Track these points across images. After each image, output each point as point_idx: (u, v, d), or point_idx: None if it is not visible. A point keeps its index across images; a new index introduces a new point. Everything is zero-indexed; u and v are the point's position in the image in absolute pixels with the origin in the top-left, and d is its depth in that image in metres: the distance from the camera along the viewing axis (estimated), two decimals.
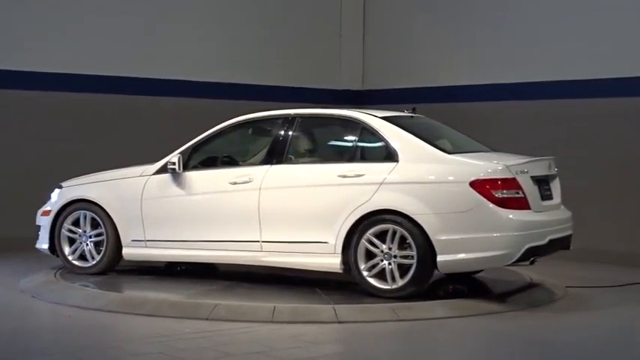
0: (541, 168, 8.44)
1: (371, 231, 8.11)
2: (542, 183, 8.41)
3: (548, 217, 8.28)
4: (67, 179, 9.68)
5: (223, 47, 13.02)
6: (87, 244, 9.25)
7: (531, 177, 8.18)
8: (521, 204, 7.99)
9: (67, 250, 9.32)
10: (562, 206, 8.75)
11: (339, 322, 7.48)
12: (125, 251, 9.14)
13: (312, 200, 8.40)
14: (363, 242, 8.13)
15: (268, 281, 8.95)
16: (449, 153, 8.27)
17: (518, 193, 7.98)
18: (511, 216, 7.88)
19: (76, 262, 9.29)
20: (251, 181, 8.61)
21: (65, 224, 9.32)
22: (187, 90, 12.51)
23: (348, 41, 14.16)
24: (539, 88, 11.85)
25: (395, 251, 8.03)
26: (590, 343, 7.12)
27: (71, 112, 11.79)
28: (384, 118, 8.58)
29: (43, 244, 9.46)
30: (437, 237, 7.89)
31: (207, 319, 7.52)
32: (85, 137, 11.83)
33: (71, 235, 9.31)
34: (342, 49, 14.17)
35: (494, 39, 12.44)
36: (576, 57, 11.50)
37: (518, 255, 7.89)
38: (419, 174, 8.14)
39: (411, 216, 7.96)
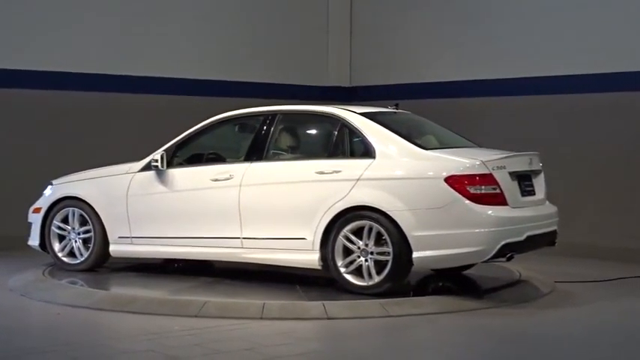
0: (521, 163, 8.38)
1: (348, 227, 8.11)
2: (523, 179, 8.36)
3: (527, 213, 8.21)
4: (59, 177, 9.72)
5: (210, 45, 13.01)
6: (75, 241, 9.32)
7: (510, 173, 8.12)
8: (498, 200, 7.96)
9: (56, 246, 9.41)
10: (547, 202, 8.71)
11: (329, 319, 7.49)
12: (112, 248, 9.20)
13: (291, 197, 8.43)
14: (341, 239, 8.13)
15: (259, 277, 8.96)
16: (427, 149, 8.25)
17: (495, 189, 7.93)
18: (486, 212, 7.84)
19: (65, 259, 9.37)
20: (232, 178, 8.65)
21: (55, 221, 9.41)
22: (176, 88, 12.51)
23: (336, 38, 14.17)
24: (527, 84, 11.88)
25: (371, 248, 8.03)
26: (575, 338, 7.15)
27: (62, 110, 11.78)
28: (363, 114, 8.57)
29: (34, 240, 9.55)
30: (412, 233, 7.87)
31: (196, 316, 7.53)
32: (77, 135, 11.84)
33: (61, 232, 9.40)
34: (329, 45, 14.17)
35: (482, 35, 12.47)
36: (565, 53, 11.53)
37: (494, 251, 7.85)
38: (395, 170, 8.13)
39: (387, 212, 7.95)
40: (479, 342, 7.04)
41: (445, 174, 7.89)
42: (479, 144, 8.97)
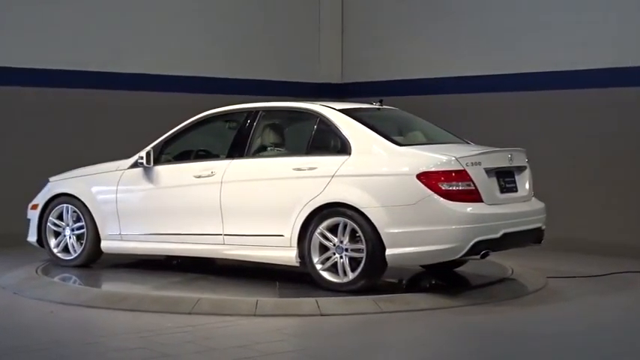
0: (500, 160, 8.29)
1: (324, 224, 8.09)
2: (503, 175, 8.28)
3: (505, 210, 8.11)
4: (56, 174, 9.82)
5: (202, 42, 13.00)
6: (70, 237, 9.43)
7: (486, 169, 8.04)
8: (472, 196, 7.87)
9: (52, 242, 9.52)
10: (533, 199, 8.65)
11: (322, 315, 7.50)
12: (103, 244, 9.28)
13: (269, 193, 8.44)
14: (317, 235, 8.11)
15: (252, 273, 8.96)
16: (402, 145, 8.19)
17: (469, 185, 7.86)
18: (458, 209, 7.76)
19: (59, 255, 9.48)
20: (213, 175, 8.68)
21: (51, 218, 9.52)
22: (170, 85, 12.52)
23: (327, 34, 14.17)
24: (519, 80, 11.89)
25: (346, 245, 8.01)
26: (565, 334, 7.16)
27: (59, 107, 11.81)
28: (341, 110, 8.54)
29: (32, 236, 9.67)
30: (385, 230, 7.83)
31: (189, 313, 7.52)
32: (75, 133, 11.88)
33: (56, 228, 9.51)
34: (321, 42, 14.17)
35: (473, 31, 12.49)
36: (558, 48, 11.54)
37: (466, 249, 7.77)
38: (368, 166, 8.10)
39: (360, 209, 7.91)
40: (470, 338, 7.06)
41: (417, 170, 7.84)
42: (467, 140, 8.93)
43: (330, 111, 8.53)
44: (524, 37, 11.89)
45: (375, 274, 8.02)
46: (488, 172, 8.09)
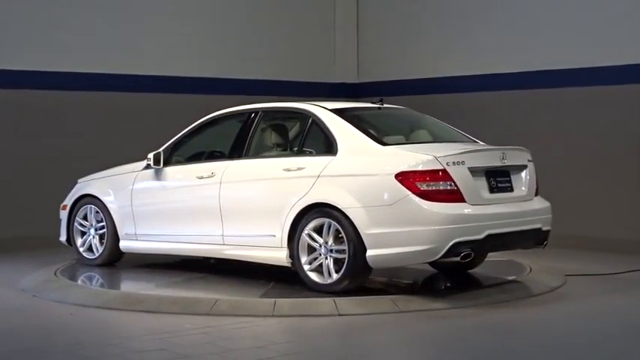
0: (489, 159, 8.08)
1: (310, 225, 8.06)
2: (495, 174, 8.08)
3: (493, 211, 7.90)
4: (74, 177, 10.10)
5: (217, 42, 13.05)
6: (93, 237, 9.68)
7: (472, 168, 7.85)
8: (454, 197, 7.70)
9: (78, 242, 9.76)
10: (536, 198, 8.42)
11: (340, 315, 7.50)
12: (121, 244, 9.48)
13: (262, 194, 8.49)
14: (304, 236, 8.09)
15: (270, 274, 8.98)
16: (387, 144, 8.08)
17: (450, 185, 7.70)
18: (435, 209, 7.59)
19: (84, 254, 9.73)
20: (214, 176, 8.77)
21: (77, 218, 9.77)
22: (187, 87, 12.60)
23: (343, 34, 14.17)
24: (538, 78, 11.86)
25: (331, 245, 7.98)
26: (586, 332, 7.15)
27: (72, 110, 11.89)
28: (333, 110, 8.49)
29: (62, 236, 9.94)
30: (366, 231, 7.74)
31: (207, 314, 7.54)
32: (83, 136, 11.96)
33: (82, 228, 9.78)
34: (336, 41, 14.18)
35: (490, 29, 12.46)
36: (578, 45, 11.51)
37: (444, 250, 7.59)
38: (351, 166, 8.04)
39: (343, 209, 7.85)
40: (488, 337, 7.04)
41: (395, 170, 7.73)
42: (474, 139, 8.76)
43: (322, 111, 8.50)
44: (542, 35, 11.86)
45: (359, 275, 7.91)
46: (475, 171, 7.89)
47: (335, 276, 7.93)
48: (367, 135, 8.18)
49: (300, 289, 8.11)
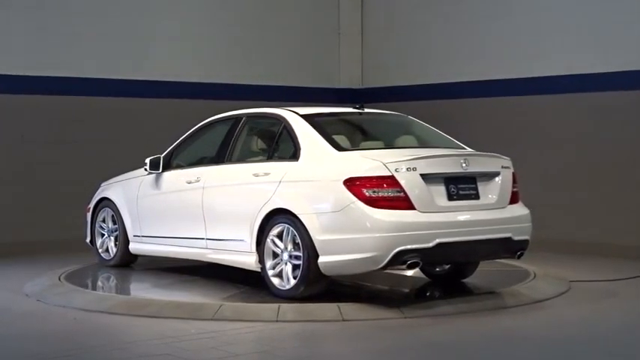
0: (448, 165, 7.85)
1: (274, 231, 8.05)
2: (457, 181, 7.84)
3: (448, 219, 7.67)
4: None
5: (222, 48, 13.07)
6: (108, 238, 9.94)
7: (425, 174, 7.65)
8: (401, 203, 7.54)
9: (98, 243, 10.04)
10: (511, 206, 8.10)
11: (344, 320, 7.49)
12: (130, 246, 9.70)
13: (234, 199, 8.54)
14: (268, 242, 8.08)
15: None
16: (345, 150, 8.01)
17: (398, 192, 7.55)
18: (378, 216, 7.45)
19: (102, 255, 10.01)
20: (199, 181, 8.87)
21: (98, 220, 9.99)
22: (195, 92, 12.64)
23: (347, 40, 14.18)
24: (544, 83, 11.86)
25: (290, 251, 7.95)
26: (590, 338, 7.13)
27: (77, 114, 11.96)
28: (303, 115, 8.45)
29: (86, 237, 10.21)
30: (317, 237, 7.67)
31: (212, 319, 7.54)
32: (93, 141, 12.04)
33: (102, 230, 10.08)
34: (341, 48, 14.19)
35: (495, 35, 12.46)
36: (583, 50, 11.50)
37: (388, 258, 7.43)
38: (307, 172, 8.01)
39: (298, 215, 7.82)
40: (493, 343, 7.03)
41: (344, 176, 7.65)
42: (461, 145, 8.54)
43: (292, 116, 8.47)
44: (546, 41, 11.85)
45: (314, 282, 7.82)
46: (430, 177, 7.69)
47: (292, 282, 7.91)
48: (327, 140, 8.11)
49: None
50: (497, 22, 12.45)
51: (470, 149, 8.53)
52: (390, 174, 7.58)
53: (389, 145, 8.40)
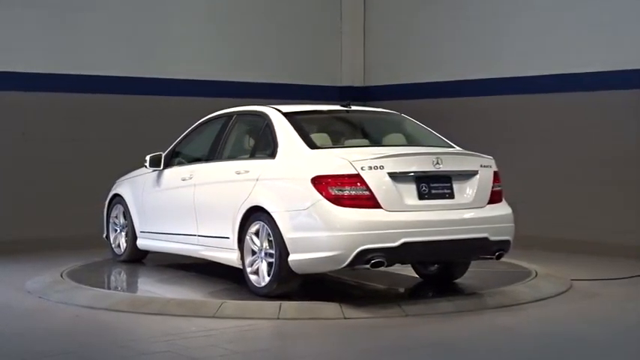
0: (418, 164, 7.74)
1: (252, 228, 8.06)
2: (429, 180, 7.73)
3: (416, 218, 7.58)
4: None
5: (224, 46, 13.08)
6: (119, 234, 10.14)
7: (393, 173, 7.58)
8: (367, 202, 7.49)
9: (112, 238, 10.27)
10: (490, 206, 7.96)
11: (345, 318, 7.50)
12: (137, 241, 9.85)
13: (218, 196, 8.60)
14: (247, 239, 8.10)
15: None
16: (317, 148, 7.97)
17: (364, 190, 7.50)
18: (342, 215, 7.43)
19: (115, 250, 10.24)
20: (191, 178, 8.97)
21: (112, 216, 10.17)
22: (191, 89, 12.63)
23: (349, 38, 14.19)
24: (543, 82, 11.86)
25: (265, 249, 7.95)
26: (592, 337, 7.14)
27: (76, 111, 11.95)
28: (285, 113, 8.43)
29: (103, 233, 10.40)
30: (287, 235, 7.67)
31: (213, 317, 7.55)
32: (99, 138, 12.05)
33: (115, 226, 10.28)
34: (343, 46, 14.20)
35: (495, 33, 12.46)
36: (586, 49, 11.49)
37: (350, 257, 7.39)
38: (280, 170, 8.03)
39: (271, 213, 7.83)
40: (494, 340, 7.04)
41: (311, 174, 7.64)
42: (451, 144, 8.47)
43: (274, 113, 8.47)
44: (547, 39, 11.85)
45: (286, 279, 7.81)
46: (399, 176, 7.62)
47: (267, 279, 7.92)
48: (302, 138, 8.09)
49: (304, 291, 8.11)
50: (498, 21, 12.44)
51: (457, 148, 8.44)
52: (356, 172, 7.55)
53: (374, 144, 8.43)
